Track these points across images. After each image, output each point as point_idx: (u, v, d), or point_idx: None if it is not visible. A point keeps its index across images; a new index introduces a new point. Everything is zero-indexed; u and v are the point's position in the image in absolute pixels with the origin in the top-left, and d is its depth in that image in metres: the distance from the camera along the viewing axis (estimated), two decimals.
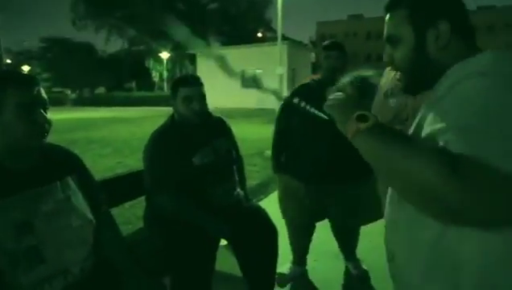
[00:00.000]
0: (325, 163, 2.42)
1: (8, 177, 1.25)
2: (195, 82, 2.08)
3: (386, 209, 1.08)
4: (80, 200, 1.42)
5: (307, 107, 1.15)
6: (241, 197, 2.24)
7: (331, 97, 1.04)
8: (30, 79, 1.30)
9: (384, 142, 0.82)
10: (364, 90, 1.01)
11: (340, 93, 1.03)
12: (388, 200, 1.07)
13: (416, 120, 0.96)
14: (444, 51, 0.92)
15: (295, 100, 1.20)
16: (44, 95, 1.31)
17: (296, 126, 2.48)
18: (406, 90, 1.05)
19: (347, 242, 2.79)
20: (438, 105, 0.84)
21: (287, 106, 2.59)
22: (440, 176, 0.68)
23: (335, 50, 2.44)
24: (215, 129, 2.24)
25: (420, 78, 0.99)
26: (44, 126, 1.30)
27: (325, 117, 1.03)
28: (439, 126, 0.77)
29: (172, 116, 2.17)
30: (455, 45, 0.92)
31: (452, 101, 0.80)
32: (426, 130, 0.82)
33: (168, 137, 2.09)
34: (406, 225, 0.95)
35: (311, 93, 2.43)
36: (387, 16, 1.01)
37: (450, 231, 0.82)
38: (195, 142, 2.09)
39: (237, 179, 2.26)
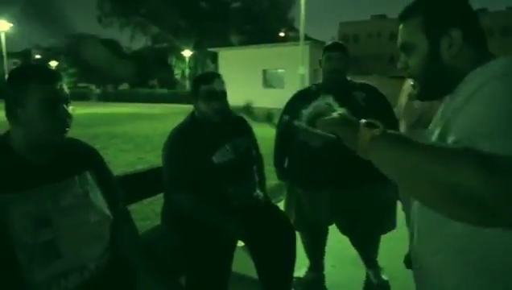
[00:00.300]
0: (327, 166, 2.30)
1: (28, 171, 1.26)
2: (216, 79, 2.05)
3: (414, 216, 1.05)
4: (98, 196, 1.41)
5: (310, 129, 1.10)
6: (261, 198, 2.21)
7: (322, 120, 1.01)
8: (53, 74, 1.30)
9: (405, 145, 0.80)
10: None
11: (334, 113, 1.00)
12: (416, 206, 1.03)
13: (437, 125, 0.94)
14: (457, 58, 0.93)
15: (296, 123, 1.17)
16: (66, 90, 1.31)
17: (297, 131, 2.40)
18: (420, 97, 1.05)
19: (364, 249, 2.63)
20: (463, 111, 0.82)
21: (288, 111, 2.50)
22: (479, 175, 0.66)
23: (336, 51, 2.30)
24: (235, 127, 2.21)
25: (434, 85, 1.00)
26: (66, 121, 1.30)
27: (331, 136, 1.00)
28: (466, 131, 0.77)
29: (193, 113, 2.15)
30: (467, 52, 0.93)
31: (477, 106, 0.79)
32: (453, 134, 0.81)
33: (188, 135, 2.07)
34: (437, 234, 0.91)
35: (310, 98, 2.39)
36: (401, 25, 1.03)
37: (485, 237, 0.80)
38: (215, 140, 2.07)
39: (256, 179, 2.23)
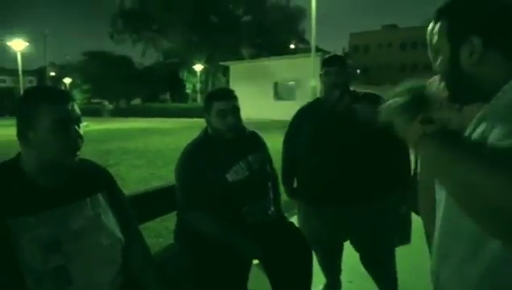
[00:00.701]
0: (334, 184, 2.22)
1: (38, 194, 1.23)
2: (229, 96, 2.02)
3: (437, 235, 1.00)
4: (109, 218, 1.38)
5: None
6: (276, 216, 2.16)
7: (387, 102, 0.96)
8: (64, 94, 1.29)
9: (455, 148, 0.76)
10: (419, 101, 0.92)
11: (396, 99, 0.94)
12: (439, 225, 0.99)
13: (474, 132, 0.87)
14: (480, 66, 0.89)
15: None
16: (78, 111, 1.29)
17: (303, 147, 2.35)
18: (449, 100, 1.02)
19: (379, 274, 2.47)
20: (507, 120, 0.77)
21: (293, 128, 2.46)
22: None
23: (334, 65, 2.24)
24: (249, 143, 2.17)
25: (457, 90, 0.97)
26: (77, 142, 1.28)
27: (387, 123, 0.94)
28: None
29: (205, 130, 2.12)
30: (492, 60, 0.88)
31: None
32: (497, 144, 0.76)
33: (201, 152, 2.04)
34: (461, 255, 0.87)
35: (315, 113, 2.35)
36: (431, 26, 1.00)
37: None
38: (228, 157, 2.03)
39: (271, 196, 2.18)
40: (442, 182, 0.81)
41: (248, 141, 2.17)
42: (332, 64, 2.25)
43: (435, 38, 0.96)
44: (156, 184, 6.60)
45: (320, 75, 2.30)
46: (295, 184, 2.52)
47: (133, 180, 6.84)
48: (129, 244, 1.43)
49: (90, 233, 1.29)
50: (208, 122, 2.07)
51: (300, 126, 2.39)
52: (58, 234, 1.22)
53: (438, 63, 0.97)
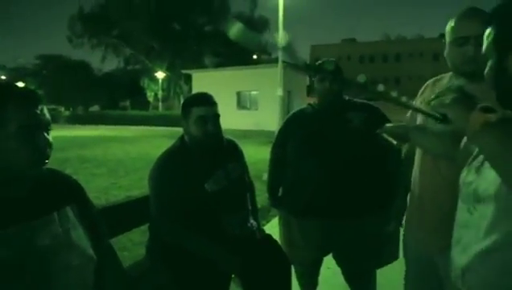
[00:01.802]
0: (324, 195, 2.13)
1: (1, 209, 1.07)
2: (209, 101, 1.91)
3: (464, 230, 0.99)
4: (80, 235, 1.23)
5: (417, 106, 1.00)
6: (255, 228, 2.07)
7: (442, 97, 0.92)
8: (33, 95, 1.13)
9: None
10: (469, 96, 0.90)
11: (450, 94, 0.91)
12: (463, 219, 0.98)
13: None
14: None
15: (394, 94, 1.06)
16: (48, 115, 1.15)
17: (292, 154, 2.27)
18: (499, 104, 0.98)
19: (360, 288, 2.40)
20: None
21: (283, 134, 2.37)
22: None
23: (330, 71, 2.17)
24: (227, 152, 2.07)
25: (504, 96, 0.94)
26: (46, 151, 1.13)
27: (438, 116, 0.90)
28: None
29: (182, 137, 2.00)
30: None
31: None
32: None
33: (177, 161, 1.91)
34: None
35: (307, 119, 2.27)
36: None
37: None
38: (207, 166, 1.92)
39: (249, 207, 2.09)
40: (503, 170, 0.78)
41: (226, 150, 2.07)
42: (327, 70, 2.18)
43: (485, 42, 0.95)
44: (118, 193, 6.35)
45: (313, 81, 2.23)
46: (280, 193, 2.43)
47: (93, 189, 6.52)
48: (101, 262, 1.29)
49: (58, 253, 1.14)
50: (185, 129, 1.95)
51: (291, 133, 2.31)
52: (22, 255, 1.06)
53: (487, 68, 0.95)
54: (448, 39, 1.51)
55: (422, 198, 1.64)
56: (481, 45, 1.40)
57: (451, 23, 1.50)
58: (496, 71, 0.93)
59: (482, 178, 0.95)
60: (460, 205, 1.05)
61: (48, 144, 1.14)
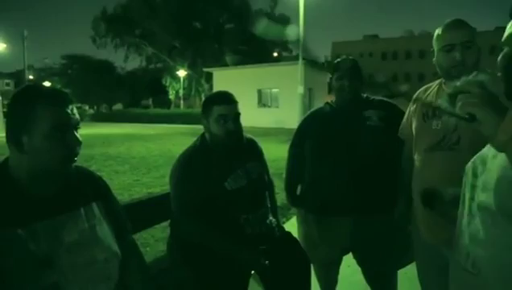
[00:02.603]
0: (342, 193, 2.12)
1: (28, 204, 1.12)
2: (230, 100, 1.92)
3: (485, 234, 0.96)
4: (105, 230, 1.28)
5: (439, 105, 0.97)
6: (274, 225, 2.08)
7: (461, 96, 0.87)
8: (64, 96, 1.18)
9: None
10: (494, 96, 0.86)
11: (477, 90, 0.87)
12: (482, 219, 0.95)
13: None
14: None
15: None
16: (77, 114, 1.20)
17: (310, 152, 2.26)
18: (507, 97, 0.95)
19: (381, 288, 2.37)
20: None
21: (301, 133, 2.36)
22: None
23: (348, 69, 2.15)
24: (247, 151, 2.08)
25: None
26: (76, 148, 1.18)
27: (465, 116, 0.85)
28: None
29: (202, 136, 2.02)
30: None
31: None
32: None
33: (198, 159, 1.94)
34: None
35: (325, 118, 2.26)
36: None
37: None
38: (227, 165, 1.94)
39: (269, 205, 2.10)
40: None
41: (246, 148, 2.08)
42: (346, 68, 2.16)
43: (506, 32, 0.93)
44: (140, 190, 6.46)
45: (331, 79, 2.23)
46: (298, 192, 2.43)
47: (116, 186, 6.66)
48: (125, 257, 1.33)
49: (85, 247, 1.19)
50: (206, 127, 1.97)
51: (309, 132, 2.31)
52: (51, 248, 1.11)
53: (500, 56, 0.94)
54: (436, 47, 1.69)
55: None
56: (468, 49, 1.57)
57: (438, 33, 1.68)
58: (509, 59, 0.91)
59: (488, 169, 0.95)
60: (465, 193, 1.04)
61: (78, 142, 1.19)
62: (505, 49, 0.91)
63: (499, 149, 0.81)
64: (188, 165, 1.93)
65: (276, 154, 8.50)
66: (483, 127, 0.82)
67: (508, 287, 0.87)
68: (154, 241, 3.86)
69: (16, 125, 1.12)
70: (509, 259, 0.86)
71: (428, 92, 1.80)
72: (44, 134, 1.11)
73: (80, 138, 1.20)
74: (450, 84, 0.92)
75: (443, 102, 0.91)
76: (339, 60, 2.26)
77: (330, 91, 2.46)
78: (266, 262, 1.80)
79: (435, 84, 1.80)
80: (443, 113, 1.04)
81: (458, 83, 0.90)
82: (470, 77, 0.91)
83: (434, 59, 1.72)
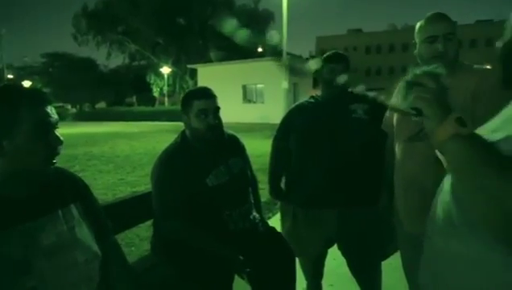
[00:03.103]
0: (328, 186, 2.14)
1: (4, 208, 1.09)
2: (210, 94, 1.93)
3: (435, 239, 1.01)
4: (84, 232, 1.25)
5: (392, 105, 1.02)
6: (258, 221, 2.08)
7: (415, 89, 0.90)
8: (43, 95, 1.17)
9: (484, 154, 0.77)
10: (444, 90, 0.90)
11: (431, 84, 0.89)
12: (435, 227, 1.00)
13: (501, 128, 0.87)
14: None
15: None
16: (55, 114, 1.18)
17: (295, 145, 2.27)
18: (503, 86, 0.98)
19: (366, 281, 2.40)
20: None
21: (286, 125, 2.37)
22: None
23: (339, 63, 2.18)
24: (229, 147, 2.08)
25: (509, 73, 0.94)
26: (57, 148, 1.17)
27: (413, 112, 0.89)
28: None
29: (183, 133, 2.01)
30: None
31: None
32: None
33: (179, 157, 1.92)
34: (471, 259, 0.87)
35: (311, 111, 2.27)
36: None
37: None
38: (208, 161, 1.94)
39: (252, 201, 2.10)
40: (467, 184, 0.81)
41: (227, 144, 2.08)
42: (336, 62, 2.19)
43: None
44: (125, 189, 6.39)
45: (318, 72, 2.23)
46: (282, 185, 2.43)
47: (100, 186, 6.58)
48: (106, 258, 1.31)
49: (64, 249, 1.17)
50: (186, 123, 1.96)
51: (294, 125, 2.31)
52: (28, 252, 1.09)
53: (501, 43, 0.94)
54: (418, 39, 1.73)
55: (404, 183, 1.73)
56: (449, 41, 1.62)
57: (421, 25, 1.73)
58: (510, 48, 0.92)
59: None
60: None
61: (60, 142, 1.18)
62: (508, 37, 0.92)
63: (436, 147, 0.85)
64: (169, 163, 1.92)
65: (261, 149, 8.50)
66: (427, 123, 0.87)
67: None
68: (139, 240, 3.83)
69: None
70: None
71: None
72: (27, 135, 1.09)
73: (62, 138, 1.19)
74: (412, 71, 0.94)
75: (400, 92, 0.93)
76: (329, 53, 2.28)
77: (315, 85, 2.47)
78: (245, 260, 1.80)
79: None
80: (392, 111, 1.09)
81: (418, 71, 0.93)
82: (429, 68, 0.93)
83: (415, 51, 1.76)
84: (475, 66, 1.70)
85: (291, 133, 2.30)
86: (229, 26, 26.17)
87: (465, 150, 0.79)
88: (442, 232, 0.96)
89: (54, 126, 1.16)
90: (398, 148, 1.82)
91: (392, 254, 2.25)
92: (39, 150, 1.11)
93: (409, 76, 0.94)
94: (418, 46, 1.74)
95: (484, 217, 0.77)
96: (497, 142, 0.82)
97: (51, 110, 1.15)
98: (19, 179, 1.13)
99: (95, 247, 1.27)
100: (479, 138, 0.82)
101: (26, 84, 43.25)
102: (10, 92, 1.14)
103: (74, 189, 1.32)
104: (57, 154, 1.18)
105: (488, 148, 0.80)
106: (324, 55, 2.29)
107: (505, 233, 0.74)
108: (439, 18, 1.68)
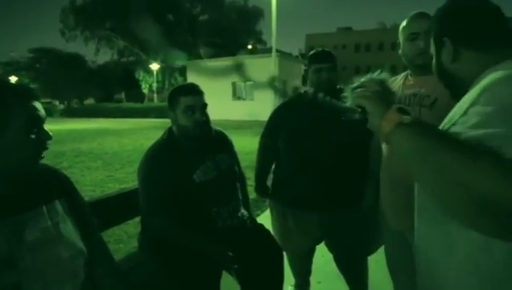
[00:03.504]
0: (318, 185, 2.13)
1: None
2: (197, 91, 1.91)
3: (419, 225, 1.04)
4: (69, 228, 1.24)
5: (331, 100, 1.14)
6: (246, 218, 2.08)
7: (359, 90, 0.99)
8: (32, 91, 1.16)
9: (430, 139, 0.78)
10: (389, 92, 1.00)
11: (373, 86, 0.99)
12: (421, 231, 1.03)
13: (445, 122, 0.95)
14: (457, 64, 1.01)
15: (320, 95, 1.17)
16: (43, 110, 1.17)
17: (283, 144, 2.25)
18: (451, 97, 1.10)
19: (352, 274, 2.42)
20: (473, 110, 0.82)
21: (275, 119, 2.33)
22: (504, 183, 0.66)
23: (326, 62, 2.13)
24: (216, 143, 2.07)
25: (449, 88, 1.08)
26: (47, 143, 1.16)
27: (357, 109, 0.97)
28: (483, 130, 0.75)
29: (169, 129, 2.00)
30: (467, 57, 0.99)
31: (489, 105, 0.79)
32: (464, 132, 0.79)
33: (165, 153, 1.91)
34: (449, 257, 0.90)
35: (300, 109, 2.23)
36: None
37: (498, 250, 0.79)
38: (195, 157, 1.93)
39: (240, 198, 2.10)
40: (417, 173, 0.82)
41: (215, 140, 2.07)
42: (325, 61, 2.15)
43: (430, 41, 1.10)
44: (113, 186, 6.35)
45: (306, 71, 2.21)
46: (269, 183, 2.42)
47: (88, 182, 6.53)
48: (92, 255, 1.30)
49: (48, 245, 1.15)
50: (173, 120, 1.95)
51: (282, 123, 2.28)
52: (11, 247, 1.07)
53: (433, 63, 1.09)
54: (401, 37, 1.77)
55: (391, 182, 1.74)
56: (430, 38, 1.58)
57: (403, 24, 1.76)
58: (436, 64, 1.07)
59: None
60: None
61: (49, 137, 1.17)
62: (433, 57, 1.09)
63: (383, 139, 0.88)
64: (155, 159, 1.91)
65: (251, 146, 8.50)
66: (372, 119, 0.92)
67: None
68: (127, 237, 3.81)
69: None
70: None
71: (394, 83, 1.84)
72: (19, 130, 1.08)
73: (50, 133, 1.18)
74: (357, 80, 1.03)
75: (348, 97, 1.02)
76: (315, 51, 2.24)
77: (305, 83, 2.46)
78: (233, 256, 1.80)
79: (401, 76, 1.86)
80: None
81: (362, 79, 1.02)
82: (374, 75, 1.03)
83: (400, 50, 1.78)
84: None
85: (281, 131, 2.27)
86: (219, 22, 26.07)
87: (412, 136, 0.81)
88: (424, 218, 1.00)
89: (43, 121, 1.16)
90: (384, 147, 1.83)
91: (377, 249, 2.28)
92: (29, 145, 1.11)
93: (354, 84, 1.02)
94: (402, 45, 1.77)
95: (449, 206, 0.77)
96: (456, 121, 0.85)
97: (38, 106, 1.14)
98: (6, 175, 1.11)
99: (80, 244, 1.26)
100: (425, 124, 0.85)
101: (13, 79, 42.73)
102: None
103: (59, 185, 1.30)
104: (46, 149, 1.17)
105: (438, 133, 0.82)
106: (310, 53, 2.25)
107: (475, 220, 0.74)
108: (421, 16, 1.72)
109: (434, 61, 1.07)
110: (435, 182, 0.76)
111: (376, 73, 1.03)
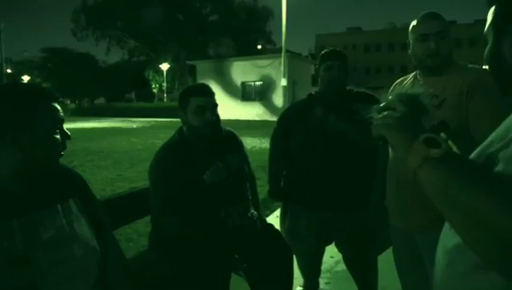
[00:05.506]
0: (329, 187, 2.14)
1: (5, 201, 1.10)
2: (207, 91, 1.93)
3: (445, 236, 0.93)
4: (83, 226, 1.26)
5: (343, 124, 0.97)
6: (256, 218, 2.08)
7: (380, 115, 0.85)
8: (52, 93, 1.24)
9: (466, 174, 0.68)
10: (415, 112, 0.84)
11: (391, 112, 0.84)
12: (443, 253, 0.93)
13: (499, 139, 0.79)
14: None
15: (332, 118, 1.06)
16: (61, 111, 1.23)
17: (293, 145, 2.24)
18: (501, 94, 0.93)
19: (361, 275, 2.41)
20: None
21: (284, 125, 2.33)
22: None
23: (337, 60, 2.13)
24: (226, 143, 2.07)
25: (503, 84, 0.88)
26: (65, 143, 1.22)
27: (379, 141, 0.83)
28: None
29: (180, 130, 2.01)
30: None
31: None
32: (505, 168, 0.68)
33: (176, 154, 1.93)
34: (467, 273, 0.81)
35: (311, 110, 2.22)
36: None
37: None
38: (206, 157, 1.94)
39: (250, 198, 2.10)
40: (445, 211, 0.72)
41: (225, 140, 2.07)
42: (335, 59, 2.14)
43: (486, 25, 0.89)
44: (123, 185, 6.39)
45: (317, 70, 2.20)
46: (282, 184, 2.42)
47: (98, 181, 6.59)
48: (104, 253, 1.32)
49: (62, 244, 1.17)
50: (183, 120, 1.96)
51: (293, 124, 2.28)
52: (27, 245, 1.09)
53: (486, 50, 0.89)
54: (411, 37, 1.74)
55: (398, 181, 1.72)
56: (442, 39, 1.63)
57: (413, 23, 1.74)
58: (492, 53, 0.88)
59: None
60: None
61: (68, 137, 1.24)
62: (488, 44, 0.88)
63: (413, 177, 0.76)
64: (166, 160, 1.92)
65: (260, 146, 8.51)
66: (395, 151, 0.80)
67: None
68: (137, 236, 3.83)
69: (11, 122, 1.09)
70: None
71: (404, 83, 1.84)
72: (45, 131, 1.14)
73: (69, 133, 1.24)
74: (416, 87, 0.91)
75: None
76: (326, 50, 2.24)
77: (314, 83, 2.46)
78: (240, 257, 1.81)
79: (410, 76, 1.85)
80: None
81: (390, 97, 0.88)
82: (404, 89, 0.89)
83: (409, 50, 1.77)
84: (469, 65, 1.71)
85: (291, 133, 2.27)
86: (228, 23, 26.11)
87: (440, 173, 0.70)
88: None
89: (63, 121, 1.22)
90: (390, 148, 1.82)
91: (386, 249, 2.28)
92: (54, 144, 1.16)
93: (382, 104, 0.88)
94: (411, 45, 1.75)
95: (476, 245, 0.69)
96: (495, 151, 0.74)
97: (59, 107, 1.21)
98: (26, 174, 1.15)
99: (93, 242, 1.28)
100: (456, 157, 0.73)
101: (25, 78, 43.20)
102: (26, 88, 1.19)
103: (73, 184, 1.33)
104: (65, 148, 1.23)
105: (470, 168, 0.72)
106: (322, 52, 2.26)
107: (501, 263, 0.66)
108: (431, 16, 1.69)
109: (489, 50, 0.88)
110: (464, 221, 0.69)
111: (407, 83, 0.89)
